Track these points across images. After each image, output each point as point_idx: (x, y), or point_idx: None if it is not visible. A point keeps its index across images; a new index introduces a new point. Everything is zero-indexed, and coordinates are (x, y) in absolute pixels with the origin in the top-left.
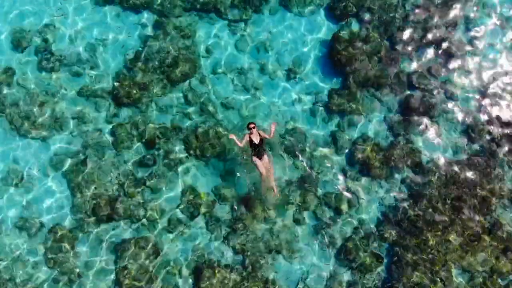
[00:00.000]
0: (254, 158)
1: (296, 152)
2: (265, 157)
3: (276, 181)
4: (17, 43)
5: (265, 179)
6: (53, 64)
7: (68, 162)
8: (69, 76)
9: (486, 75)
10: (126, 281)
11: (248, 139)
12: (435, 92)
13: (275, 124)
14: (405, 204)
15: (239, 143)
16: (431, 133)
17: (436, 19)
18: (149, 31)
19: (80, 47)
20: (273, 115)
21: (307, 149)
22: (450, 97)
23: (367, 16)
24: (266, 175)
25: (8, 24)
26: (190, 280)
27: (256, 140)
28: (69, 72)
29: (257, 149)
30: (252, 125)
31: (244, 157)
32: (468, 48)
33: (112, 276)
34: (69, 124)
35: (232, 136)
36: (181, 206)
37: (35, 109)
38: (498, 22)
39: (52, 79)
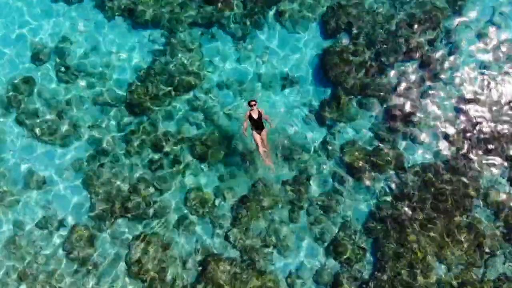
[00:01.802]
0: (253, 132)
1: (290, 157)
2: (263, 132)
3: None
4: (36, 55)
5: (261, 151)
6: (69, 75)
7: (85, 166)
8: (85, 86)
9: (465, 85)
10: (138, 273)
11: (248, 114)
12: (417, 101)
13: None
14: (389, 203)
15: (244, 126)
16: (413, 138)
17: (418, 33)
18: (158, 45)
19: (95, 60)
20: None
21: (300, 153)
22: (431, 105)
23: (356, 31)
24: (262, 146)
25: (28, 37)
26: (195, 272)
27: (255, 115)
28: (84, 83)
29: (256, 124)
30: (253, 102)
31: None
32: (448, 59)
33: (126, 268)
34: (85, 131)
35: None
36: (187, 205)
37: (54, 118)
38: (477, 35)
39: (69, 89)
